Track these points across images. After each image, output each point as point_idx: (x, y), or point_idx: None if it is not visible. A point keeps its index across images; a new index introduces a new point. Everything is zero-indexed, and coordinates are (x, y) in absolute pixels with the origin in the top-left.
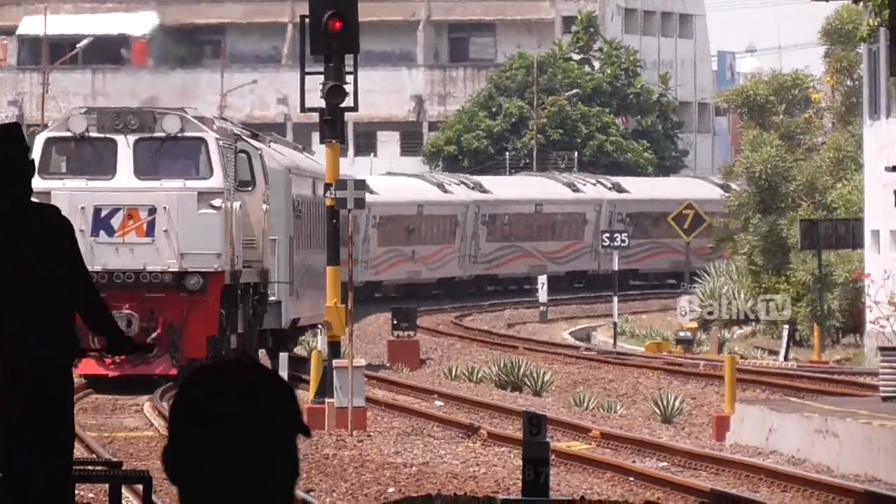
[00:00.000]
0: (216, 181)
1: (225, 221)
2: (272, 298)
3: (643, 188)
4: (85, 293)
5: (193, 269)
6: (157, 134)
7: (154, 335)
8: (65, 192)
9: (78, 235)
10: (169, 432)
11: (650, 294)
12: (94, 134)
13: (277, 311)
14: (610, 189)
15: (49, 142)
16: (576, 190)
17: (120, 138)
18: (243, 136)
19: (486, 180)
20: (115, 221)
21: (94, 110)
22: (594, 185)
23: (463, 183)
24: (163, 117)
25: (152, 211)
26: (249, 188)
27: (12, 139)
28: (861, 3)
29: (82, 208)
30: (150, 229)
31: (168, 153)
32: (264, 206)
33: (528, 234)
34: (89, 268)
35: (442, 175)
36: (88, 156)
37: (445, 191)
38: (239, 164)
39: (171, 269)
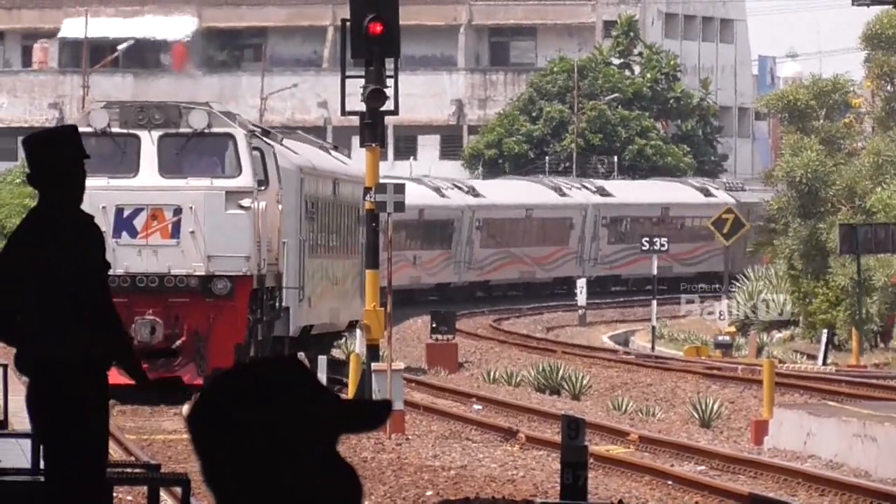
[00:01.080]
0: (245, 180)
1: (254, 222)
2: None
3: (627, 191)
4: (93, 307)
5: (221, 273)
6: (182, 130)
7: (179, 342)
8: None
9: None
10: (191, 438)
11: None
12: (116, 129)
13: (286, 318)
14: (594, 193)
15: None
16: (562, 194)
17: (144, 134)
18: (256, 133)
19: (479, 184)
20: (139, 222)
21: (115, 104)
22: (580, 189)
23: (458, 187)
24: (189, 112)
25: (177, 211)
26: (263, 188)
27: (53, 143)
28: None
29: (103, 208)
30: (176, 230)
31: (194, 150)
32: (279, 207)
33: (520, 240)
34: (111, 271)
35: (437, 179)
36: (110, 152)
37: (443, 195)
38: (253, 162)
39: (197, 273)
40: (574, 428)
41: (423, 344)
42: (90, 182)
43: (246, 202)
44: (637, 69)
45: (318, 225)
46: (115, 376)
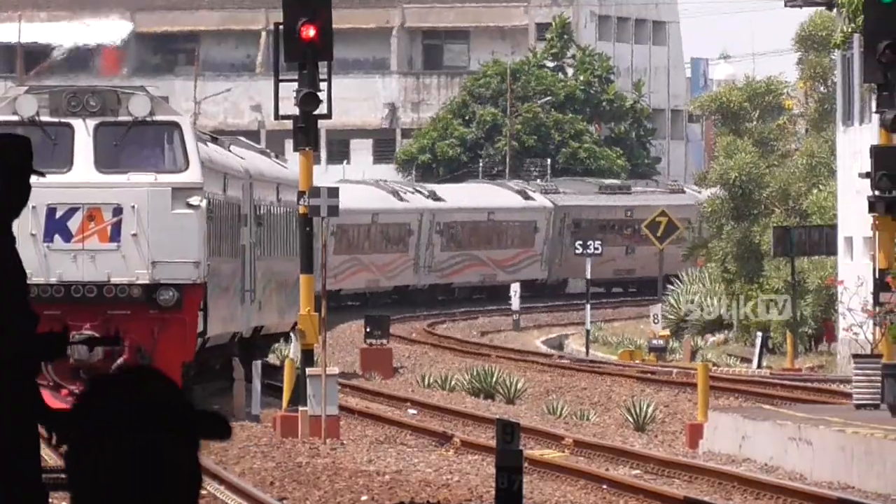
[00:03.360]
0: (193, 174)
1: (203, 223)
2: None
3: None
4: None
5: (167, 282)
6: (121, 118)
7: (120, 360)
8: None
9: (28, 241)
10: (69, 448)
11: (623, 302)
12: (45, 118)
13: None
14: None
15: None
16: (527, 197)
17: (77, 123)
18: (202, 139)
19: (440, 188)
20: (73, 224)
21: (44, 89)
22: (413, 193)
23: (418, 192)
24: (128, 98)
25: (117, 211)
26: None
27: None
28: (835, 10)
29: (33, 208)
30: (116, 233)
31: (135, 141)
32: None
33: (481, 243)
34: (42, 279)
35: (396, 183)
36: (40, 144)
37: (401, 199)
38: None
39: (140, 282)
40: (508, 432)
41: (357, 349)
42: None
43: (195, 200)
44: (570, 72)
45: (264, 229)
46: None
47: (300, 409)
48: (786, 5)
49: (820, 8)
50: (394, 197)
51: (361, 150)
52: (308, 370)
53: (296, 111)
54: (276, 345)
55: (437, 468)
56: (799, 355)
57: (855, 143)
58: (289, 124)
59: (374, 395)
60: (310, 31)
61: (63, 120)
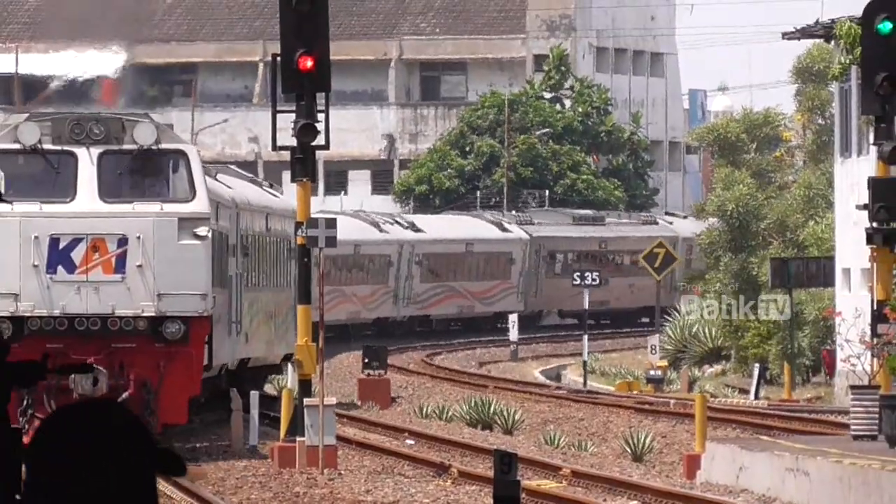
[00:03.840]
0: (200, 204)
1: (210, 254)
2: None
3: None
4: None
5: (173, 314)
6: (126, 146)
7: (125, 395)
8: (13, 218)
9: (31, 272)
10: (29, 476)
11: (620, 333)
12: (48, 146)
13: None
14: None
15: None
16: (503, 229)
17: (81, 151)
18: None
19: (419, 219)
20: (77, 255)
21: (46, 115)
22: (392, 224)
23: (397, 223)
24: (134, 126)
25: (122, 241)
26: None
27: None
28: (832, 42)
29: (36, 238)
30: (120, 264)
31: (140, 169)
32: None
33: (459, 274)
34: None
35: (376, 214)
36: (42, 173)
37: (381, 230)
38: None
39: (145, 314)
40: (506, 463)
41: (355, 379)
42: (20, 207)
43: (202, 231)
44: (568, 103)
45: (252, 259)
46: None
47: (298, 439)
48: (783, 37)
49: (818, 40)
50: (375, 228)
51: (359, 180)
52: (306, 400)
53: (293, 142)
54: (274, 375)
55: (435, 498)
56: (796, 386)
57: (852, 175)
58: (286, 155)
59: (372, 426)
60: (307, 63)
61: (66, 148)
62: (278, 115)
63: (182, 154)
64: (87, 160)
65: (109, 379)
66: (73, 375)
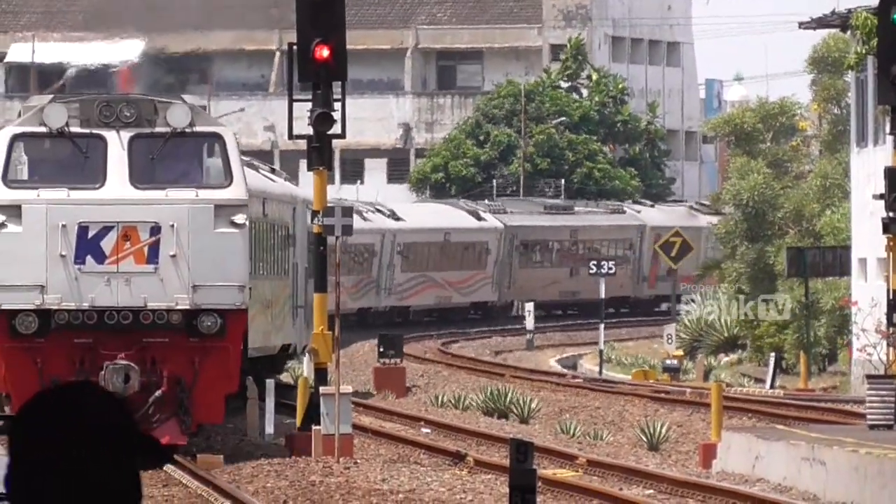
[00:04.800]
0: (237, 190)
1: (247, 243)
2: None
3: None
4: None
5: (209, 307)
6: (159, 129)
7: (157, 392)
8: (39, 204)
9: (58, 262)
10: (10, 461)
11: (637, 322)
12: (76, 129)
13: None
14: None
15: (16, 139)
16: (479, 218)
17: (111, 135)
18: None
19: (399, 208)
20: (107, 244)
21: (74, 98)
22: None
23: (379, 211)
24: (167, 108)
25: (155, 230)
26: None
27: None
28: (848, 32)
29: (63, 226)
30: (153, 254)
31: (173, 154)
32: None
33: (437, 264)
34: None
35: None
36: (70, 158)
37: (364, 219)
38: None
39: (179, 307)
40: (522, 452)
41: (370, 368)
42: (46, 194)
43: (239, 218)
44: (584, 93)
45: (252, 247)
46: None
47: (314, 427)
48: (800, 27)
49: (834, 30)
50: (358, 216)
51: (375, 169)
52: (321, 389)
53: (310, 131)
54: (290, 363)
55: (451, 487)
56: (812, 376)
57: (869, 165)
58: (302, 144)
59: (388, 414)
60: (324, 52)
61: (95, 131)
62: (295, 104)
63: (218, 137)
64: (117, 144)
65: (141, 376)
66: (101, 372)
